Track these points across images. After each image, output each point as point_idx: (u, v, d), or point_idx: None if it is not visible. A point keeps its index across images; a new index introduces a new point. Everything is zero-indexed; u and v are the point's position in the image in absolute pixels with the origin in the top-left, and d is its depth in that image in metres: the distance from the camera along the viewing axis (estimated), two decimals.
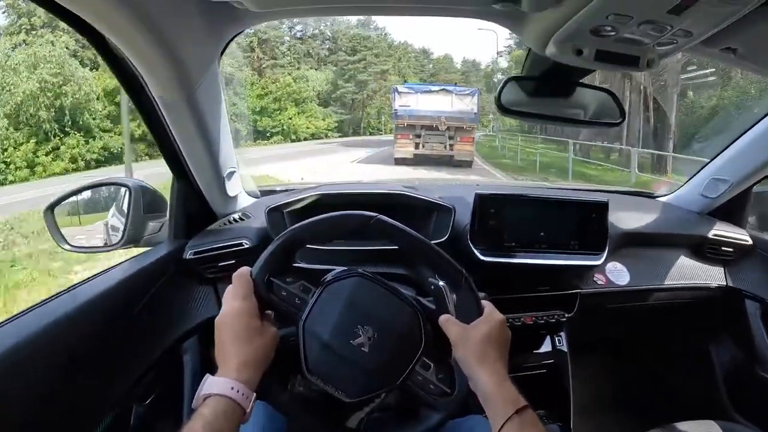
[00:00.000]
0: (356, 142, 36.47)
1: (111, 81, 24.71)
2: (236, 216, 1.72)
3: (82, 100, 24.16)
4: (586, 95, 1.29)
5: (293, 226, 1.01)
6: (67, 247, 1.46)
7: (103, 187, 1.62)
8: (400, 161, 18.56)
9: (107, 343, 1.23)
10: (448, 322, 0.98)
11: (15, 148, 22.41)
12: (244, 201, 1.85)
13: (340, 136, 44.61)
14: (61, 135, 23.55)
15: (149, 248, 1.56)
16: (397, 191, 1.71)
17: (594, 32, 0.88)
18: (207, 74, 1.26)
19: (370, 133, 48.31)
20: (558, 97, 1.29)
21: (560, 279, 1.76)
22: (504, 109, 1.23)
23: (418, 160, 18.35)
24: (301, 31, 50.93)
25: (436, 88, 19.32)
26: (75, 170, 22.65)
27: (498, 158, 22.47)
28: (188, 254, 1.53)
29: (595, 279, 1.78)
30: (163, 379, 1.48)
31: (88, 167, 23.50)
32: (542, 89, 1.28)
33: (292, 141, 40.46)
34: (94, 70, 25.07)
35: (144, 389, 1.42)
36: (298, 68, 47.40)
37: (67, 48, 24.40)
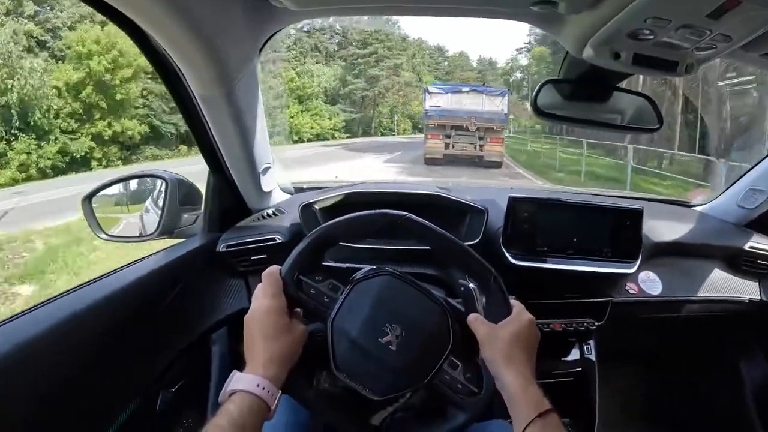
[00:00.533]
0: (364, 145, 32.91)
1: (75, 74, 23.27)
2: (270, 211, 1.81)
3: (32, 96, 21.29)
4: (624, 100, 1.31)
5: (322, 225, 1.06)
6: (103, 236, 1.57)
7: (140, 179, 1.72)
8: (430, 161, 19.48)
9: (138, 330, 1.33)
10: (476, 321, 1.02)
11: None
12: (278, 197, 1.95)
13: (348, 137, 42.63)
14: (8, 138, 20.78)
15: (183, 240, 1.65)
16: (431, 192, 1.78)
17: (632, 36, 0.91)
18: (245, 71, 1.35)
19: (382, 134, 46.56)
20: (595, 101, 1.33)
21: (591, 286, 1.79)
22: (540, 112, 1.27)
23: (448, 160, 19.29)
24: (309, 23, 49.83)
25: (467, 88, 20.51)
26: (27, 179, 20.10)
27: (541, 168, 20.14)
28: (221, 247, 1.63)
29: (627, 288, 1.81)
30: (190, 367, 1.58)
31: (44, 176, 20.97)
32: (579, 93, 1.30)
33: (294, 142, 38.69)
34: (60, 61, 23.65)
35: (172, 376, 1.51)
36: (303, 63, 45.84)
37: (32, 36, 22.91)
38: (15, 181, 20.05)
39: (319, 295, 1.02)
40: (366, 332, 0.98)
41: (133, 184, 1.70)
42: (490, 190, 2.29)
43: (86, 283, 1.28)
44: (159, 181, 1.66)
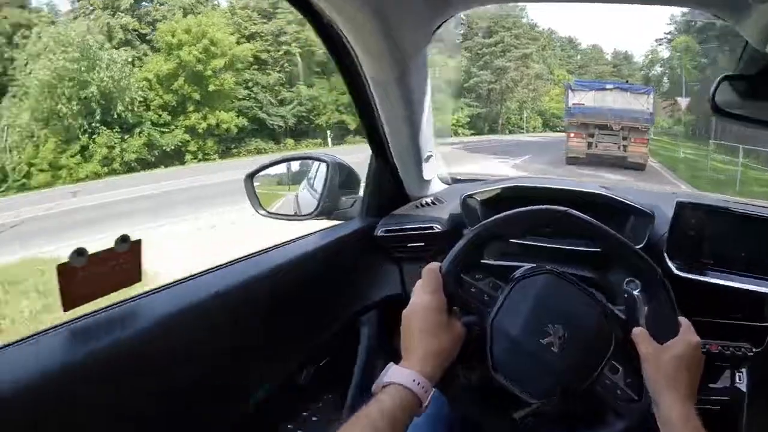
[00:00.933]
0: (489, 145, 28.30)
1: (165, 65, 23.61)
2: (429, 200, 1.84)
3: (114, 89, 21.60)
4: None
5: (483, 222, 1.07)
6: (262, 212, 1.67)
7: (297, 162, 1.83)
8: (571, 160, 19.10)
9: (293, 306, 1.41)
10: (640, 336, 0.98)
11: (37, 147, 20.69)
12: (437, 186, 1.97)
13: (472, 134, 37.99)
14: (91, 132, 21.30)
15: (341, 222, 1.72)
16: (594, 190, 1.71)
17: None
18: (418, 56, 1.40)
19: (510, 131, 43.89)
20: None
21: (753, 307, 1.62)
22: (720, 112, 1.17)
23: (590, 160, 18.74)
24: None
25: (611, 86, 19.93)
26: (112, 173, 20.87)
27: (712, 183, 17.77)
28: (379, 231, 1.68)
29: None
30: (337, 346, 1.63)
31: (130, 169, 21.43)
32: (759, 90, 1.18)
33: None
34: (155, 52, 24.17)
35: (319, 353, 1.57)
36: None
37: (129, 29, 23.83)
38: (97, 175, 20.68)
39: (479, 294, 1.03)
40: (527, 332, 0.97)
41: (294, 165, 1.81)
42: (651, 193, 2.16)
43: (246, 256, 1.37)
44: (318, 164, 1.74)
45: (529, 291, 1.01)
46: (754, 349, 1.64)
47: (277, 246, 1.50)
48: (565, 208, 1.04)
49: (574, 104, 19.12)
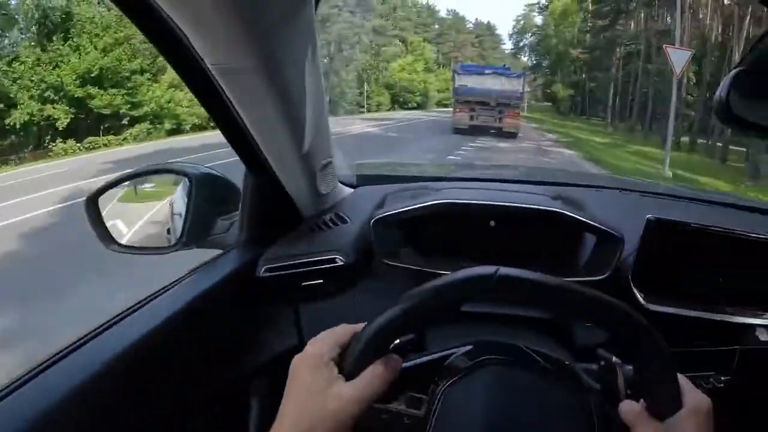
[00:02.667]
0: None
1: None
2: (328, 218, 1.58)
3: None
4: None
5: (368, 328, 0.75)
6: (114, 247, 1.38)
7: (163, 175, 1.54)
8: (457, 130, 27.01)
9: (160, 386, 1.15)
10: (634, 415, 0.78)
11: None
12: (338, 193, 1.71)
13: None
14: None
15: (217, 255, 1.47)
16: (548, 207, 1.47)
17: None
18: (295, 27, 0.99)
19: (346, 111, 43.00)
20: None
21: (718, 333, 1.55)
22: (730, 118, 0.97)
23: (472, 130, 26.58)
24: None
25: (489, 71, 29.14)
26: None
27: None
28: (261, 271, 1.42)
29: (756, 334, 1.56)
30: (223, 426, 1.41)
31: None
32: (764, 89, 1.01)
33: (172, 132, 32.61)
34: None
35: None
36: None
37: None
38: None
39: (395, 425, 0.86)
40: None
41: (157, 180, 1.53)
42: (612, 196, 1.96)
43: (93, 332, 1.08)
44: (182, 178, 1.45)
45: (467, 402, 0.82)
46: (722, 378, 1.56)
47: (129, 310, 1.18)
48: (494, 269, 0.72)
49: (459, 85, 27.33)
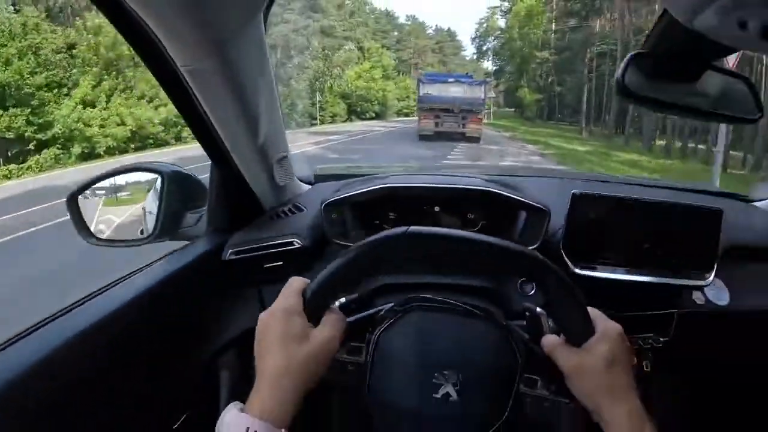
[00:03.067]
0: None
1: None
2: (287, 208, 1.82)
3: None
4: (717, 82, 1.29)
5: (314, 285, 0.93)
6: (93, 241, 1.59)
7: (138, 173, 1.73)
8: (423, 137, 29.38)
9: (135, 357, 1.33)
10: (554, 346, 0.95)
11: None
12: (296, 189, 1.95)
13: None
14: None
15: (186, 243, 1.68)
16: (482, 187, 1.74)
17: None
18: (247, 34, 1.26)
19: (297, 124, 41.91)
20: (680, 81, 1.28)
21: (656, 298, 1.83)
22: (628, 94, 1.22)
23: (438, 136, 28.86)
24: None
25: (452, 79, 31.75)
26: None
27: None
28: (228, 254, 1.63)
29: (694, 298, 1.85)
30: (196, 399, 1.58)
31: None
32: (665, 70, 1.26)
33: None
34: None
35: (172, 413, 1.50)
36: None
37: None
38: None
39: (340, 368, 1.01)
40: (415, 395, 0.97)
41: (132, 178, 1.72)
42: (544, 183, 2.26)
43: (72, 305, 1.26)
44: (154, 176, 1.67)
45: (398, 342, 1.00)
46: (661, 339, 1.81)
47: (103, 288, 1.37)
48: (406, 230, 0.91)
49: (424, 94, 30.02)
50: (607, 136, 36.26)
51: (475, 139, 29.45)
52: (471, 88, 30.70)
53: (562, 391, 0.96)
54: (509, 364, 1.00)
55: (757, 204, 2.29)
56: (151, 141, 31.00)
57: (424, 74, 38.66)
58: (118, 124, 29.05)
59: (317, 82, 42.14)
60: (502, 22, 64.94)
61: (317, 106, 40.60)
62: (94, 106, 28.34)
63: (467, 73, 42.97)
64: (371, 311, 1.07)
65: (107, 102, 29.53)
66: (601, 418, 0.90)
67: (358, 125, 38.74)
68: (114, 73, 30.76)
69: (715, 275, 1.82)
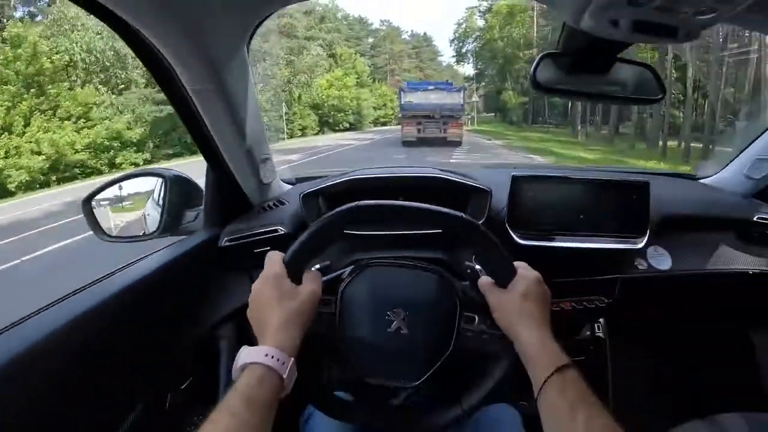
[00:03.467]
0: None
1: None
2: (271, 203, 2.14)
3: None
4: (625, 71, 1.53)
5: (291, 252, 1.21)
6: (105, 238, 1.90)
7: (144, 178, 2.06)
8: (407, 143, 31.97)
9: (142, 331, 1.60)
10: (486, 286, 1.22)
11: None
12: (280, 188, 2.29)
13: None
14: None
15: (184, 237, 1.99)
16: (432, 174, 2.12)
17: (631, 1, 1.03)
18: (235, 62, 1.63)
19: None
20: (596, 73, 1.53)
21: (600, 264, 2.13)
22: (539, 87, 1.47)
23: (420, 142, 31.60)
24: None
25: (432, 87, 34.52)
26: None
27: None
28: (223, 241, 1.97)
29: (636, 264, 2.16)
30: (199, 365, 1.88)
31: None
32: (579, 65, 1.50)
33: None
34: None
35: (179, 376, 1.80)
36: None
37: None
38: None
39: (316, 318, 1.20)
40: (373, 329, 1.21)
41: (136, 183, 2.04)
42: (494, 171, 2.59)
43: (86, 285, 1.53)
44: (159, 180, 2.03)
45: (357, 293, 1.25)
46: (606, 300, 2.17)
47: (117, 270, 1.67)
48: (356, 203, 1.21)
49: (406, 102, 32.55)
50: (607, 138, 35.14)
51: (456, 143, 32.10)
52: (450, 94, 33.33)
53: (495, 325, 1.21)
54: (449, 303, 1.25)
55: (702, 181, 2.62)
56: (78, 170, 27.98)
57: (406, 83, 41.32)
58: (34, 153, 25.78)
59: (283, 93, 41.40)
60: (481, 23, 63.06)
61: (283, 119, 39.82)
62: (11, 132, 25.61)
63: (447, 81, 48.41)
64: (338, 272, 1.33)
65: (25, 126, 26.40)
66: (519, 344, 1.14)
67: (326, 139, 37.56)
68: (34, 90, 27.46)
69: (660, 245, 2.19)
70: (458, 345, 1.22)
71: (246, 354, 1.02)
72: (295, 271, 1.18)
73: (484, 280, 1.25)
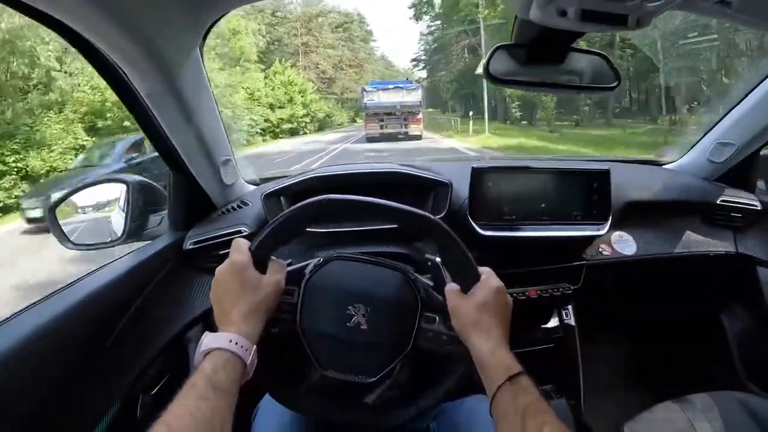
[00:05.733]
0: None
1: None
2: (235, 204, 2.14)
3: None
4: (580, 60, 1.55)
5: (257, 240, 1.24)
6: (70, 245, 1.89)
7: (108, 184, 2.07)
8: (370, 139, 33.47)
9: (110, 336, 1.59)
10: (449, 292, 1.23)
11: None
12: (243, 189, 2.29)
13: None
14: None
15: (149, 242, 1.99)
16: (392, 169, 2.13)
17: None
18: (188, 62, 1.62)
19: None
20: (551, 63, 1.56)
21: (565, 251, 2.17)
22: (494, 79, 1.49)
23: (383, 137, 32.76)
24: None
25: (392, 86, 36.13)
26: None
27: None
28: (188, 245, 1.98)
29: (600, 250, 2.20)
30: (169, 368, 1.87)
31: None
32: (533, 56, 1.52)
33: None
34: None
35: (150, 379, 1.79)
36: None
37: None
38: None
39: (278, 307, 1.24)
40: (333, 323, 1.22)
41: (100, 190, 2.05)
42: (455, 164, 2.58)
43: (52, 293, 1.53)
44: (122, 186, 2.02)
45: (320, 285, 1.27)
46: (572, 287, 2.20)
47: (84, 276, 1.67)
48: (325, 196, 1.23)
49: (368, 100, 34.49)
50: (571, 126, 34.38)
51: (417, 137, 33.47)
52: (409, 92, 35.09)
53: (454, 328, 1.21)
54: (410, 302, 1.26)
55: (665, 167, 2.65)
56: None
57: (368, 83, 43.74)
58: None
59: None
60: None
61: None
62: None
63: (407, 78, 49.01)
64: (303, 263, 1.35)
65: None
66: (472, 351, 1.15)
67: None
68: None
69: (624, 231, 2.24)
70: (417, 344, 1.24)
71: (210, 339, 1.06)
72: (261, 258, 1.21)
73: (450, 287, 1.25)
